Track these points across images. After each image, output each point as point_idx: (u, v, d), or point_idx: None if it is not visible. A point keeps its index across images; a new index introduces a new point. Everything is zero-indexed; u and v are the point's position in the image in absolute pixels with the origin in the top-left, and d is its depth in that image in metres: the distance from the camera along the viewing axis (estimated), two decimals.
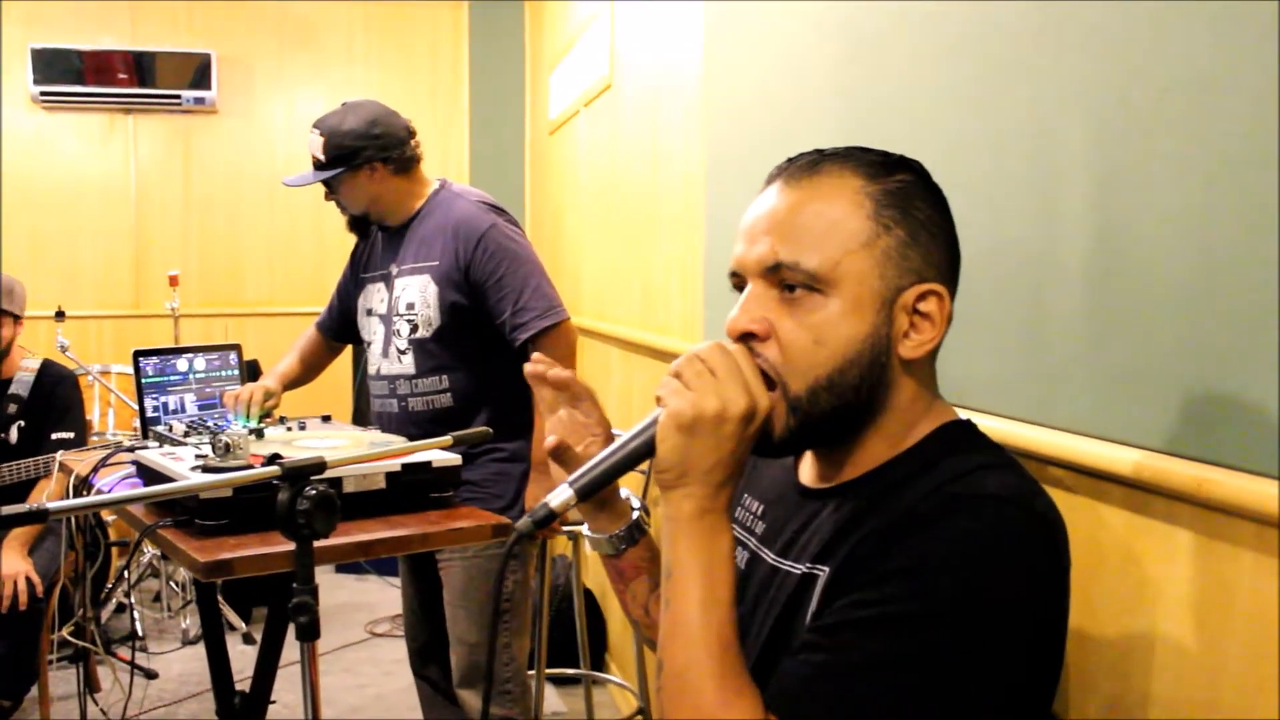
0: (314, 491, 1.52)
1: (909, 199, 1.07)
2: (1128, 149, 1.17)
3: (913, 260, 1.05)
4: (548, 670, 3.37)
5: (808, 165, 1.09)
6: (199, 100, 5.55)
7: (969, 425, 1.11)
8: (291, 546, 1.58)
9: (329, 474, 1.65)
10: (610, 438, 1.24)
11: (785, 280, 1.06)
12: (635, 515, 1.32)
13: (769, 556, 1.16)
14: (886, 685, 0.93)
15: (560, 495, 1.06)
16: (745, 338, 1.07)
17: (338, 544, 1.90)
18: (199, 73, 5.53)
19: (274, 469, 1.53)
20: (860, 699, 0.93)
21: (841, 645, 0.96)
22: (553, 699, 3.80)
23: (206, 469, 1.98)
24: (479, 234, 2.65)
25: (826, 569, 1.05)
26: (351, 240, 3.00)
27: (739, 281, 1.10)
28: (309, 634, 1.55)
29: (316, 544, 1.56)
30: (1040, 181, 1.33)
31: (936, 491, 1.00)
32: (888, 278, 1.05)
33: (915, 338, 1.06)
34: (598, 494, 1.09)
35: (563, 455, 1.27)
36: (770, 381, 1.05)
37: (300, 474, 1.54)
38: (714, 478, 1.02)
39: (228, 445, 1.98)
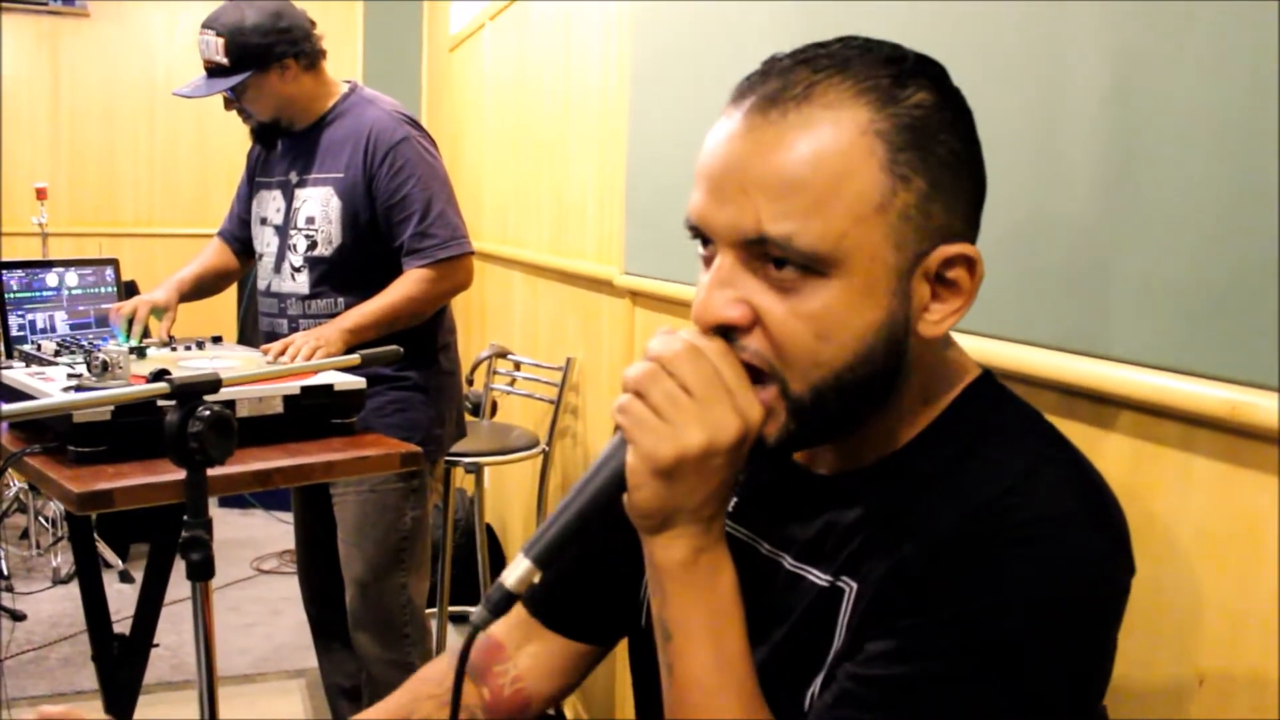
0: (207, 412, 1.34)
1: (931, 132, 0.81)
2: (1151, 37, 1.04)
3: (935, 216, 0.81)
4: (449, 609, 3.24)
5: (795, 88, 0.80)
6: (68, 1, 5.14)
7: (993, 383, 0.91)
8: (180, 475, 1.40)
9: (221, 396, 1.47)
10: None
11: (772, 255, 0.81)
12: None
13: (763, 548, 0.96)
14: None
15: (516, 570, 0.84)
16: (723, 328, 0.83)
17: (232, 473, 1.72)
18: None
19: (161, 385, 1.35)
20: None
21: (892, 706, 0.79)
22: (453, 638, 3.67)
23: (81, 389, 1.77)
24: (389, 146, 2.45)
25: (854, 585, 0.86)
26: (244, 147, 2.75)
27: (699, 235, 0.86)
28: (202, 573, 1.37)
29: (210, 473, 1.39)
30: (1044, 75, 1.18)
31: (988, 508, 0.79)
32: (906, 246, 0.81)
33: (938, 311, 0.83)
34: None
35: None
36: (759, 373, 0.83)
37: (192, 392, 1.35)
38: (705, 513, 0.84)
39: (105, 363, 1.78)
